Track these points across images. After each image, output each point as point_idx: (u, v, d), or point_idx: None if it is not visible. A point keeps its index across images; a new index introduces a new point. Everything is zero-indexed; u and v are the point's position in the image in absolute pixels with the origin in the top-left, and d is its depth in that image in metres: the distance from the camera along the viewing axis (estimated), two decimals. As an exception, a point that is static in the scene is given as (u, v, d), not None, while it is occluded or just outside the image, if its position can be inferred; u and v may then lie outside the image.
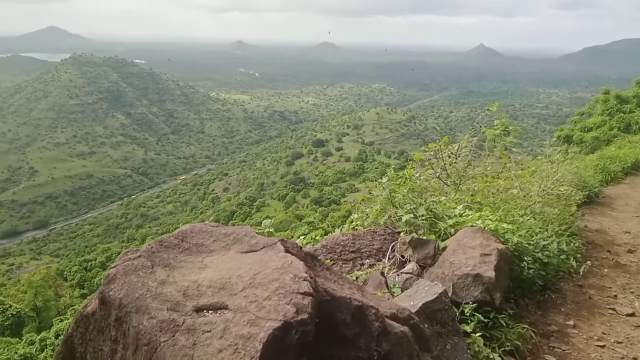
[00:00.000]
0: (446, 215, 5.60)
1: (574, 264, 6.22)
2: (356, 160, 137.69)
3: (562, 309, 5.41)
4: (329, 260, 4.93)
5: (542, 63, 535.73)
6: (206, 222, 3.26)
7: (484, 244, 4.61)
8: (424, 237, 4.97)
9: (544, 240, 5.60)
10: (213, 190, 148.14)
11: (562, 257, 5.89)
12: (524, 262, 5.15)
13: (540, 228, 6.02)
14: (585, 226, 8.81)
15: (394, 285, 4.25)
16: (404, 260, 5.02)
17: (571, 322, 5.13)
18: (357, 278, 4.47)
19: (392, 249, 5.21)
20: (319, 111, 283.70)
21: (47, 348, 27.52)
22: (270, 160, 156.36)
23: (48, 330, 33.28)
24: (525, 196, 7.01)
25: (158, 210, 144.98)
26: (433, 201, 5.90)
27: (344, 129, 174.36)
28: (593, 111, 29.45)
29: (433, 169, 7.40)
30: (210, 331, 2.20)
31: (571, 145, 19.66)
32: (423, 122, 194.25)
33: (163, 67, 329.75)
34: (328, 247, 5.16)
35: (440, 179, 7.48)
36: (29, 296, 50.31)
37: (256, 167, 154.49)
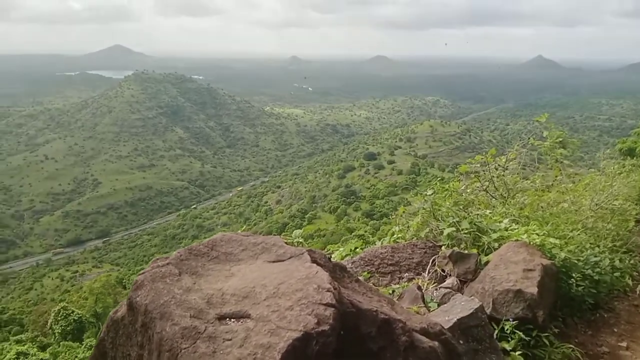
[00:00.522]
0: (491, 229, 5.43)
1: (630, 282, 5.88)
2: (408, 174, 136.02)
3: (615, 330, 5.11)
4: (365, 273, 4.88)
5: (604, 74, 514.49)
6: (238, 231, 3.30)
7: (527, 259, 4.43)
8: (466, 252, 4.84)
9: (594, 256, 5.32)
10: (266, 202, 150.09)
11: (616, 274, 5.58)
12: (572, 279, 4.91)
13: (591, 244, 5.73)
14: (645, 243, 8.32)
15: (431, 299, 4.15)
16: (444, 274, 4.90)
17: (624, 344, 4.83)
18: (393, 292, 4.40)
19: (432, 262, 5.10)
20: (371, 124, 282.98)
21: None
22: (322, 173, 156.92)
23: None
24: (576, 210, 6.70)
25: (213, 222, 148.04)
26: (478, 214, 5.75)
27: (396, 142, 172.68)
28: (660, 122, 27.95)
29: (480, 182, 7.21)
30: (231, 339, 2.22)
31: (634, 158, 18.72)
32: (478, 135, 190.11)
33: (220, 82, 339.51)
34: (366, 259, 5.10)
35: (487, 192, 7.28)
36: (89, 302, 52.24)
37: (308, 180, 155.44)
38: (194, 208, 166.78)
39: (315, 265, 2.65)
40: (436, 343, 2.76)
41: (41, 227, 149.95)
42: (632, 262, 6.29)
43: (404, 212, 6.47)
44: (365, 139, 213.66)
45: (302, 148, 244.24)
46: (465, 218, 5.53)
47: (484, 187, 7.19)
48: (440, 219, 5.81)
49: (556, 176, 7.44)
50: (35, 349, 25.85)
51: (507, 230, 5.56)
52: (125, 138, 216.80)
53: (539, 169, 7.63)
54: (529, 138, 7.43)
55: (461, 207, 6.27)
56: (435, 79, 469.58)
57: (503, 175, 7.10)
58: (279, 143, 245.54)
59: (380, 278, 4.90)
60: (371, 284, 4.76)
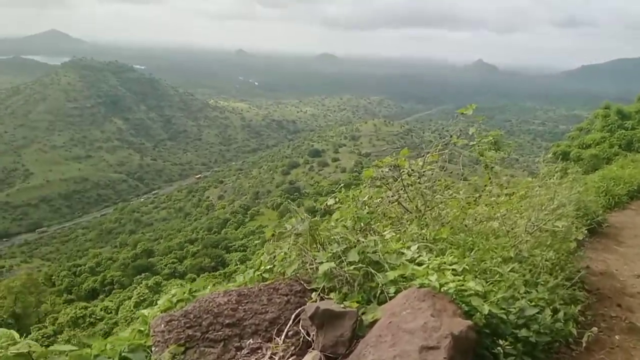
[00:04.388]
0: (388, 263, 3.77)
1: (575, 331, 4.35)
2: (352, 171, 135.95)
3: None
4: (179, 345, 3.05)
5: (540, 80, 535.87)
6: None
7: (430, 326, 2.77)
8: (341, 307, 3.13)
9: (531, 305, 3.74)
10: (208, 197, 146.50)
11: (558, 325, 4.03)
12: (499, 348, 3.28)
13: (526, 282, 4.16)
14: (588, 267, 6.86)
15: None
16: (309, 340, 3.18)
17: None
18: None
19: (294, 319, 3.35)
20: (317, 121, 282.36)
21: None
22: (266, 169, 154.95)
23: (25, 338, 31.42)
24: (509, 232, 5.17)
25: (152, 216, 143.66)
26: (374, 240, 4.06)
27: (341, 139, 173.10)
28: (592, 127, 27.69)
29: (390, 190, 5.57)
30: None
31: (568, 162, 17.87)
32: (420, 135, 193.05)
33: (162, 73, 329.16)
34: (192, 316, 3.22)
35: (400, 204, 5.67)
36: (8, 302, 48.78)
37: (252, 176, 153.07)
38: (155, 194, 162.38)
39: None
40: None
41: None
42: (577, 307, 4.75)
43: (273, 235, 4.58)
44: (311, 135, 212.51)
45: (246, 143, 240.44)
46: (356, 246, 3.85)
47: (396, 198, 5.56)
48: (323, 245, 4.08)
49: (485, 185, 5.90)
50: None
51: (412, 262, 3.93)
52: (60, 127, 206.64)
53: (463, 175, 6.08)
54: (451, 136, 5.84)
55: (361, 225, 4.62)
56: (380, 78, 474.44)
57: (419, 182, 5.47)
58: (222, 137, 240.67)
59: (207, 349, 3.09)
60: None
